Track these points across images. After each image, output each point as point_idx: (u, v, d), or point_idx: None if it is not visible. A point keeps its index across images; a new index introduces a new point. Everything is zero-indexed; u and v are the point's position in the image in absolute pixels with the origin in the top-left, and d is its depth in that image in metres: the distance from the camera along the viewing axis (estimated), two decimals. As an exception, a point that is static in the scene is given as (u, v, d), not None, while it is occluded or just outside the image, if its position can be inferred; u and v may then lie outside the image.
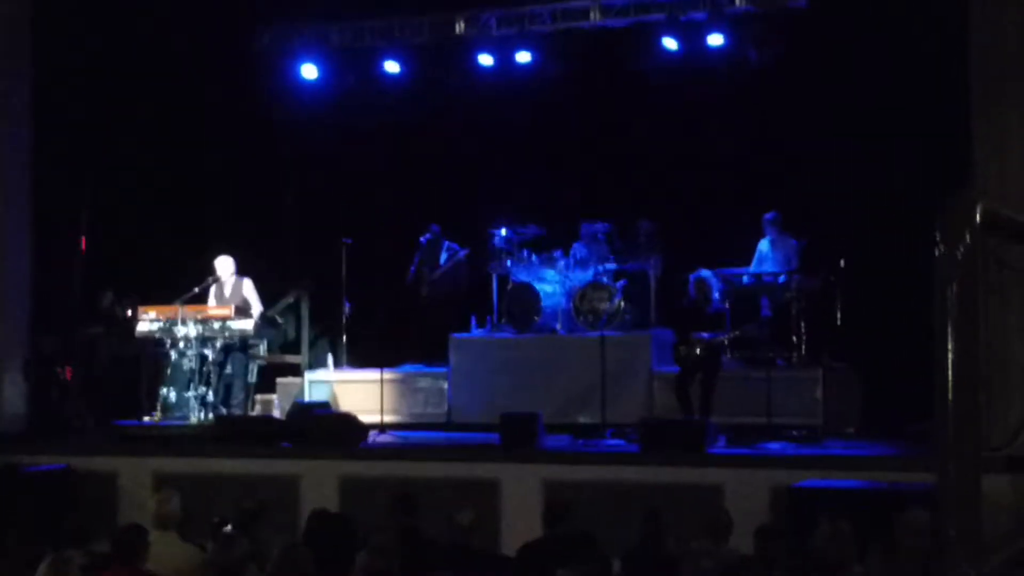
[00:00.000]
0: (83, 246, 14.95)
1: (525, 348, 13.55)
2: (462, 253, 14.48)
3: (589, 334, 12.94)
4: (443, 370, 13.72)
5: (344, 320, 14.10)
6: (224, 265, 13.31)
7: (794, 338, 12.72)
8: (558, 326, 13.63)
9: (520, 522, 10.20)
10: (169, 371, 12.98)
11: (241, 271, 13.42)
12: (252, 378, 13.58)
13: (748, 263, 13.48)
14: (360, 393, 13.62)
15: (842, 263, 12.50)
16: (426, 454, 11.75)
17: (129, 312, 13.55)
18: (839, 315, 12.48)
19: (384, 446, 12.20)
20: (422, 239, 14.52)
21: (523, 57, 14.67)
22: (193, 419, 12.66)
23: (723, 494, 10.15)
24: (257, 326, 13.07)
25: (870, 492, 9.37)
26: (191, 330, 12.72)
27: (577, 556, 7.08)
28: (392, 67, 15.16)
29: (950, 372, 3.48)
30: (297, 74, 15.45)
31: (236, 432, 12.24)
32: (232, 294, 13.24)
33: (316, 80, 15.47)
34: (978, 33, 10.99)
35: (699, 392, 11.81)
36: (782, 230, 13.34)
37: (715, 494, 10.13)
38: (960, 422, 3.50)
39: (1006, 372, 7.27)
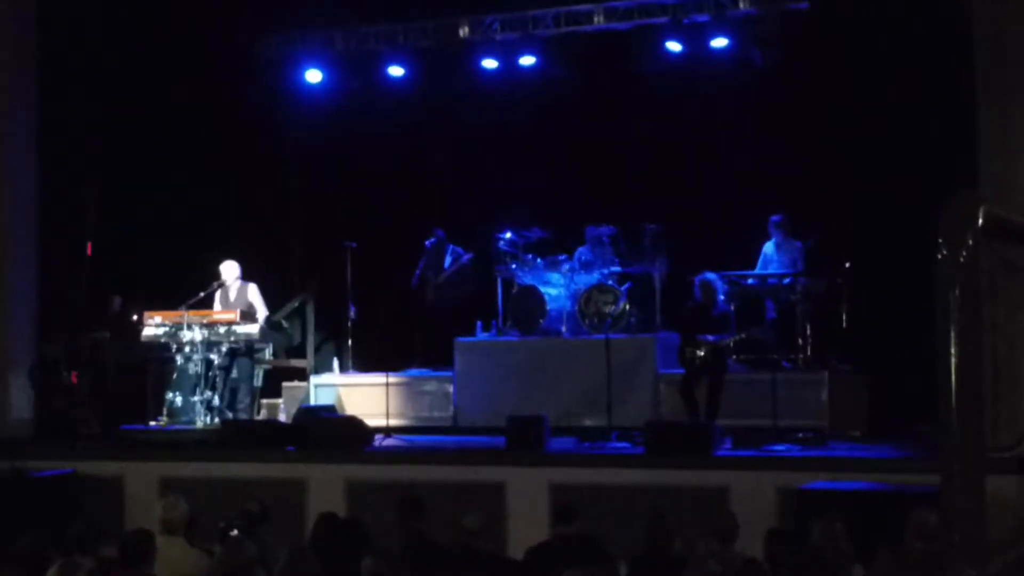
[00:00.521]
0: (89, 251, 14.98)
1: (530, 351, 13.55)
2: (467, 257, 14.50)
3: (594, 337, 12.94)
4: (448, 374, 13.73)
5: (349, 324, 14.12)
6: (229, 270, 13.32)
7: (800, 340, 12.72)
8: (563, 329, 13.63)
9: (526, 525, 10.21)
10: (175, 376, 12.98)
11: (246, 276, 13.42)
12: (258, 382, 13.60)
13: (753, 265, 13.48)
14: (366, 397, 13.63)
15: (848, 265, 12.50)
16: (432, 457, 11.74)
17: (135, 317, 13.56)
18: (845, 317, 12.48)
19: (390, 450, 12.21)
20: (427, 243, 14.54)
21: (527, 60, 14.70)
22: (199, 424, 12.66)
23: (729, 496, 10.15)
24: (263, 331, 13.08)
25: (877, 494, 9.37)
26: (197, 335, 12.73)
27: (583, 559, 7.09)
28: (396, 71, 15.18)
29: (953, 375, 3.49)
30: (302, 79, 15.47)
31: (242, 436, 12.25)
32: (237, 299, 13.25)
33: (320, 84, 15.50)
34: (982, 33, 10.99)
35: (705, 394, 11.79)
36: (787, 232, 13.34)
37: (721, 496, 10.14)
38: (964, 425, 3.51)
39: (1013, 373, 7.26)
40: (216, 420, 12.67)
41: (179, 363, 12.89)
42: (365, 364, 14.37)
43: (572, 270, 13.77)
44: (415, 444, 12.51)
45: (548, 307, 13.71)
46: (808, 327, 12.73)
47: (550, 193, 14.71)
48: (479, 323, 14.16)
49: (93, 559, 7.04)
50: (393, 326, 14.78)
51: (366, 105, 15.42)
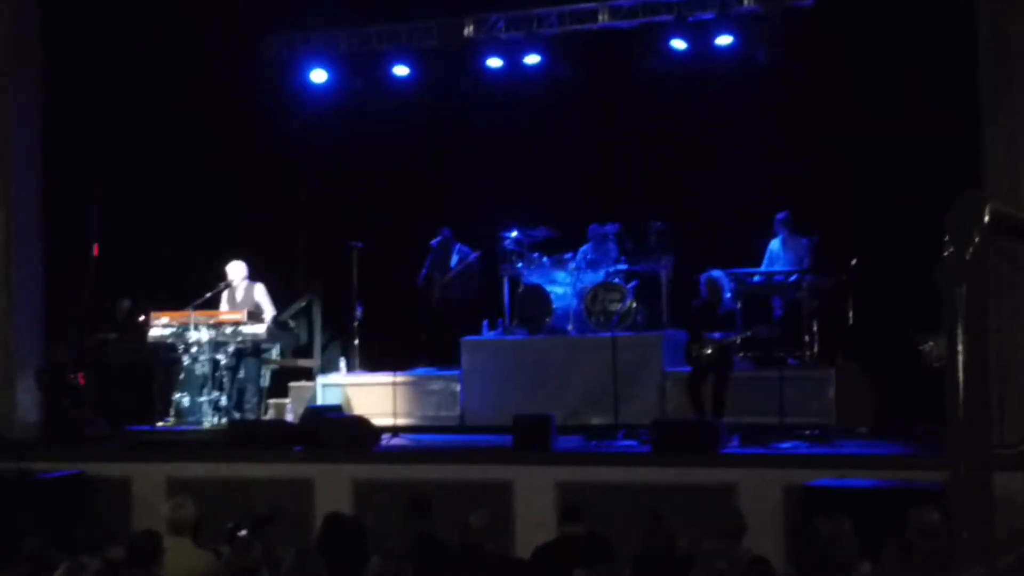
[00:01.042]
0: (95, 252, 14.99)
1: (537, 350, 13.55)
2: (474, 256, 14.50)
3: (601, 335, 12.94)
4: (455, 373, 13.73)
5: (356, 324, 14.12)
6: (236, 270, 13.32)
7: (806, 337, 12.70)
8: (570, 327, 13.63)
9: (534, 524, 10.21)
10: (182, 376, 12.99)
11: (253, 276, 13.43)
12: (265, 382, 13.61)
13: (759, 263, 13.47)
14: (372, 396, 13.64)
15: (854, 262, 12.49)
16: (439, 457, 11.75)
17: (141, 317, 13.58)
18: (851, 314, 12.47)
19: (397, 449, 12.21)
20: (433, 242, 14.55)
21: (531, 59, 14.70)
22: (206, 424, 12.67)
23: (736, 494, 10.15)
24: (269, 330, 13.09)
25: (883, 491, 9.37)
26: (203, 335, 12.74)
27: (591, 558, 7.09)
28: (401, 71, 15.18)
29: (960, 371, 3.48)
30: (306, 78, 15.48)
31: (249, 437, 12.26)
32: (244, 299, 13.25)
33: (325, 84, 15.51)
34: (987, 30, 10.97)
35: (711, 392, 11.79)
36: (793, 229, 13.33)
37: (728, 494, 10.14)
38: (971, 421, 3.50)
39: (1020, 370, 7.26)
40: (223, 420, 12.68)
41: (186, 364, 12.89)
42: (372, 364, 14.37)
43: (578, 268, 13.77)
44: (422, 443, 12.52)
45: (554, 306, 13.71)
46: (814, 324, 12.71)
47: (555, 191, 14.72)
48: (485, 322, 14.16)
49: (100, 560, 7.05)
50: (399, 325, 14.78)
51: (371, 105, 15.43)
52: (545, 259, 13.98)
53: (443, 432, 13.26)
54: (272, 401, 13.98)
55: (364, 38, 15.35)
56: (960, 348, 3.47)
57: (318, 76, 15.44)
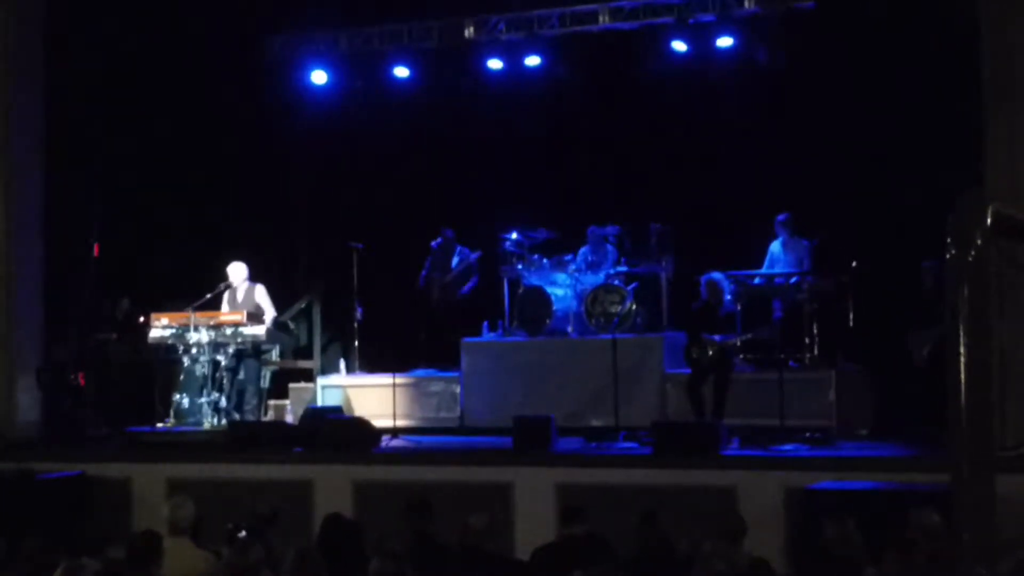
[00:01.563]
0: (96, 253, 14.99)
1: (537, 351, 13.55)
2: (474, 257, 14.49)
3: (601, 337, 12.93)
4: (455, 374, 13.72)
5: (356, 325, 14.13)
6: (236, 271, 13.33)
7: (806, 340, 12.70)
8: (570, 329, 13.63)
9: (533, 525, 10.22)
10: (182, 377, 13.00)
11: (253, 277, 13.43)
12: (265, 384, 13.61)
13: (760, 265, 13.47)
14: (373, 398, 13.63)
15: (854, 264, 12.48)
16: (439, 458, 11.75)
17: (141, 318, 13.58)
18: (851, 316, 12.47)
19: (397, 450, 12.21)
20: (433, 243, 14.55)
21: (532, 61, 14.68)
22: (206, 425, 12.68)
23: (736, 496, 10.15)
24: (269, 332, 13.09)
25: (884, 493, 9.36)
26: (204, 336, 12.74)
27: (590, 559, 7.08)
28: (401, 72, 15.17)
29: (962, 373, 3.48)
30: (307, 79, 15.47)
31: (249, 438, 12.27)
32: (244, 300, 13.26)
33: (326, 85, 15.49)
34: (989, 31, 10.96)
35: (711, 394, 11.79)
36: (794, 231, 13.33)
37: (728, 496, 10.13)
38: (973, 423, 3.50)
39: (1022, 371, 7.24)
40: (223, 421, 12.69)
41: (186, 364, 12.90)
42: (372, 365, 14.37)
43: (578, 270, 13.76)
44: (422, 445, 12.51)
45: (554, 307, 13.70)
46: (815, 326, 12.71)
47: (556, 193, 14.72)
48: (485, 323, 14.16)
49: (100, 560, 7.05)
50: (400, 327, 14.77)
51: (371, 106, 15.42)
52: (545, 261, 13.97)
53: (443, 433, 13.25)
54: (272, 402, 13.98)
55: (365, 39, 15.34)
56: (962, 349, 3.47)
57: (319, 77, 15.43)
